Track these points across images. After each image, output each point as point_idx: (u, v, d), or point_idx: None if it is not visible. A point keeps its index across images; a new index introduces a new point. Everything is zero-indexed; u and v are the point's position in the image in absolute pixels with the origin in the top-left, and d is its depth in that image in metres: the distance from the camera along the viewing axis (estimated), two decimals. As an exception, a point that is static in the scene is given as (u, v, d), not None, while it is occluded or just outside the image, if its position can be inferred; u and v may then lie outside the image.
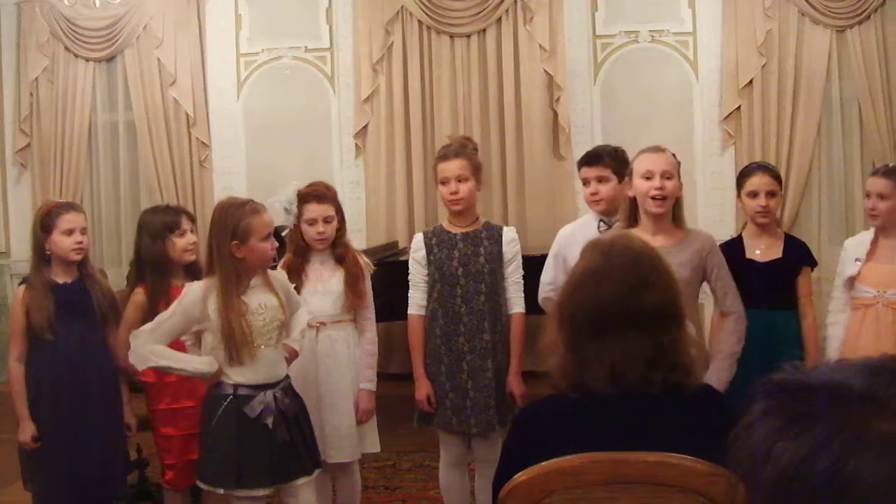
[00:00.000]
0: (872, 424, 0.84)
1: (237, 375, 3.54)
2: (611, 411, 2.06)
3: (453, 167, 4.08)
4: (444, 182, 4.10)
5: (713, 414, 2.11)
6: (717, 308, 3.89)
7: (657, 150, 3.78)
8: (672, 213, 3.74)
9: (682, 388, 2.09)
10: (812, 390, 0.91)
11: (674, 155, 3.80)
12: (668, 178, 3.68)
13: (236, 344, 3.49)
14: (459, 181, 4.07)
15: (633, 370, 2.04)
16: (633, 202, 3.75)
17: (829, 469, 0.84)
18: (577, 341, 2.08)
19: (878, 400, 0.85)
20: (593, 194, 4.20)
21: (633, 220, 3.76)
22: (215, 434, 3.58)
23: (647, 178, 3.67)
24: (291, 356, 3.79)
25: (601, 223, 4.18)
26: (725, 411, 2.17)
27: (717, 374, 3.59)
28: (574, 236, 4.04)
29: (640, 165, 3.72)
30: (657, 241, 3.60)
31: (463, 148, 4.17)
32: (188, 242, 4.17)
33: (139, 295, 4.13)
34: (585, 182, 4.26)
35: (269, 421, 3.52)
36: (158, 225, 4.20)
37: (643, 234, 3.64)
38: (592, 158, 4.26)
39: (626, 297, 2.06)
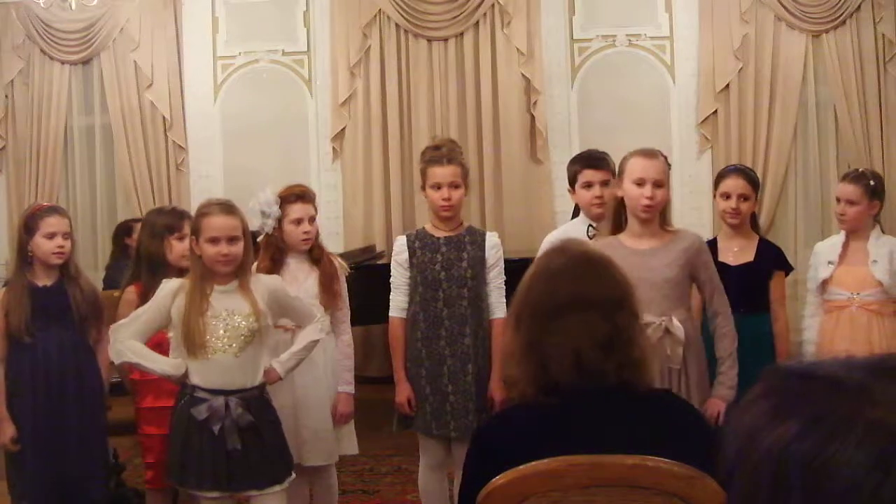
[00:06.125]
0: (861, 412, 0.84)
1: (194, 377, 3.53)
2: (569, 418, 2.07)
3: (447, 173, 4.03)
4: (437, 187, 4.05)
5: (674, 417, 2.15)
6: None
7: (650, 155, 3.62)
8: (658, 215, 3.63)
9: (636, 387, 2.11)
10: (811, 378, 0.92)
11: (665, 158, 3.69)
12: (659, 187, 3.55)
13: (190, 342, 3.48)
14: (452, 187, 4.05)
15: (592, 354, 2.05)
16: (621, 203, 3.62)
17: (809, 452, 0.84)
18: (538, 333, 2.10)
19: (872, 393, 0.86)
20: (598, 198, 4.07)
21: (620, 221, 3.64)
22: (172, 430, 3.61)
23: (639, 185, 3.53)
24: (271, 379, 3.66)
25: (590, 228, 4.10)
26: (688, 414, 2.22)
27: (727, 376, 3.54)
28: None
29: (632, 169, 3.57)
30: (643, 244, 3.58)
31: (455, 153, 4.14)
32: (186, 248, 3.98)
33: (131, 294, 4.11)
34: (588, 185, 4.10)
35: (216, 427, 3.47)
36: (159, 224, 4.20)
37: (629, 237, 3.63)
38: (598, 161, 4.12)
39: (581, 286, 2.14)
